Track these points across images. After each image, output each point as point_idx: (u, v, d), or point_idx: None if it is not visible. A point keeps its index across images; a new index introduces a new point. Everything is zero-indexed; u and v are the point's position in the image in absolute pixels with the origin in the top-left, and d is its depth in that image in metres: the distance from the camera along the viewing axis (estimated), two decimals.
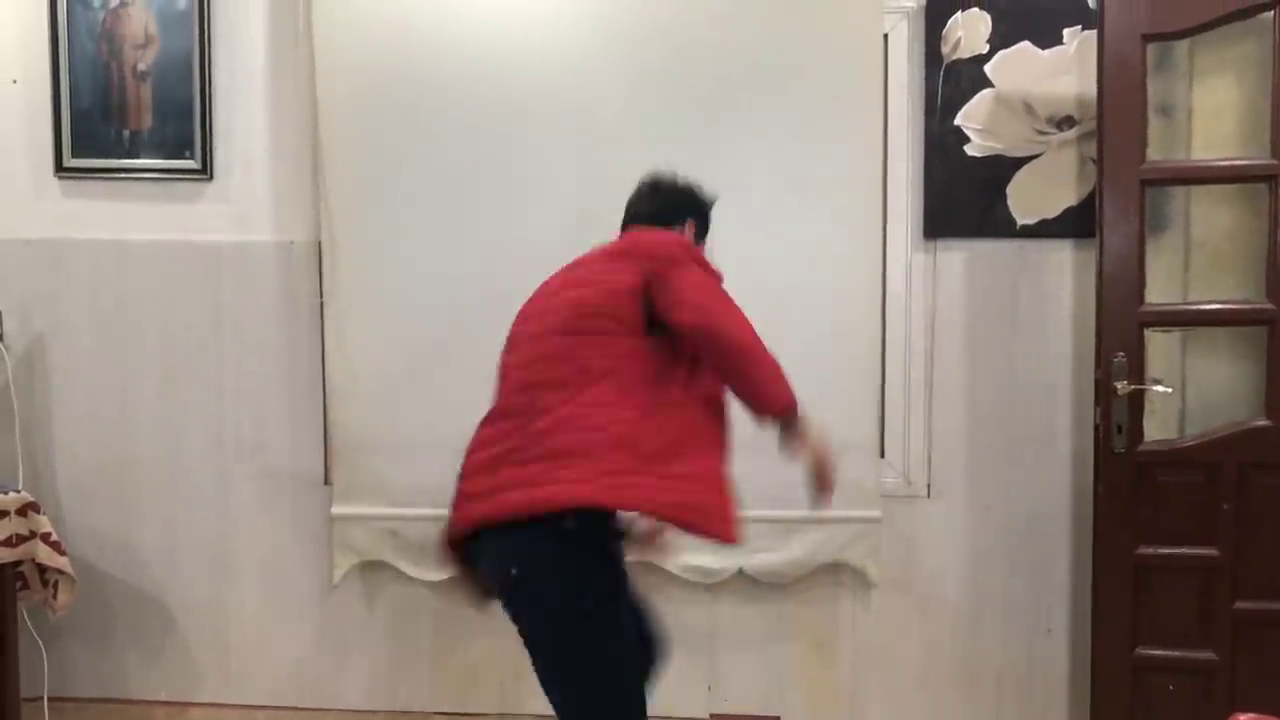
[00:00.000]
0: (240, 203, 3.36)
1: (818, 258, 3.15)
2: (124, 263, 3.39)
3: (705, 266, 2.38)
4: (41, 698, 3.36)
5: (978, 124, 3.18)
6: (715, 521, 2.18)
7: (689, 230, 2.55)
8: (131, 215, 3.38)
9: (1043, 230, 3.18)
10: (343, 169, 3.24)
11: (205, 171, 3.34)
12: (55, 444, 3.44)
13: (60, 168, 3.36)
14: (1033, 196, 3.18)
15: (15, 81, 3.38)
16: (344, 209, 3.24)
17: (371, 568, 3.35)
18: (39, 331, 3.42)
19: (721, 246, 3.14)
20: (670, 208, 2.55)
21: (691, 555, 3.25)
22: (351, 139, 3.23)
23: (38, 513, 3.09)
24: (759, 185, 3.15)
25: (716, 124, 3.16)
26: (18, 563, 3.10)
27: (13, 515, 3.03)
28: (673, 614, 3.31)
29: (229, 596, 3.44)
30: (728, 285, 3.12)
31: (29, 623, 3.24)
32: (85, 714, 3.27)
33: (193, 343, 3.40)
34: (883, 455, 3.26)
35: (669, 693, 3.34)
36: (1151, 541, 2.97)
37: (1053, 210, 3.18)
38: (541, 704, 3.58)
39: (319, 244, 3.29)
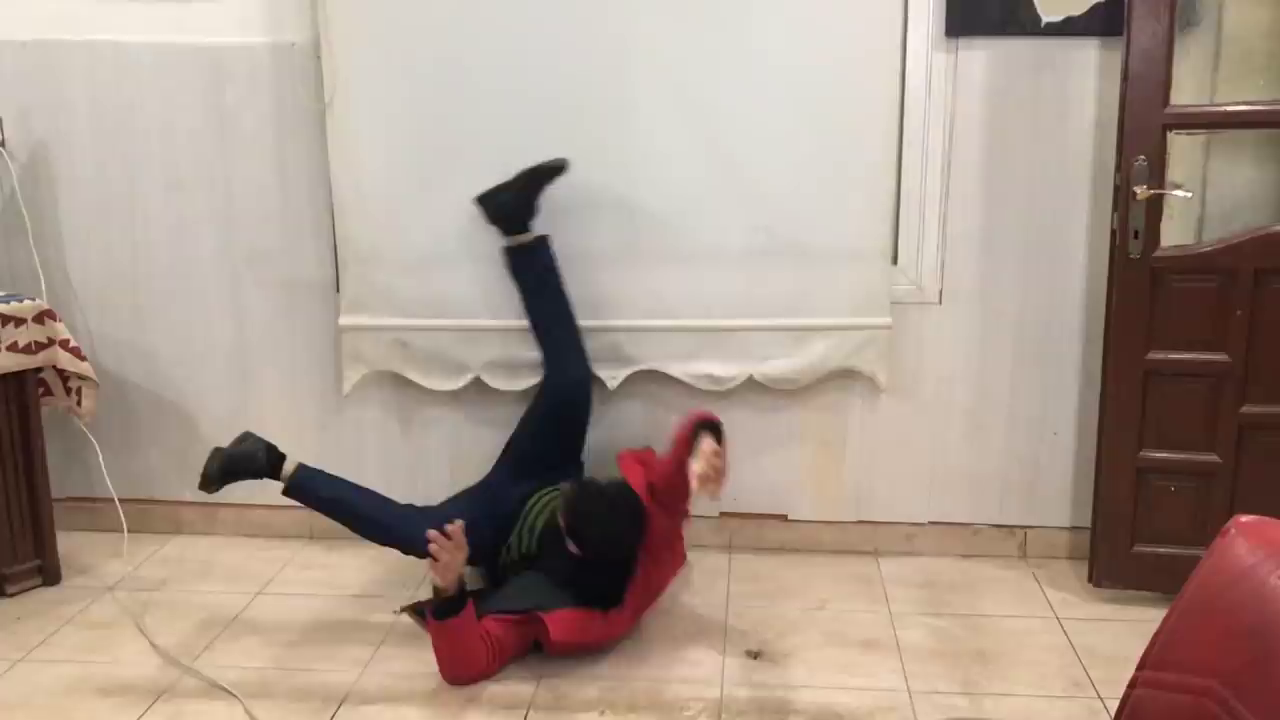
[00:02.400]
0: (236, 2, 3.24)
1: (833, 56, 3.05)
2: (122, 65, 3.30)
3: None
4: (71, 498, 3.48)
5: None
6: None
7: None
8: (124, 15, 3.27)
9: (1068, 28, 3.06)
10: None
11: None
12: (66, 253, 3.45)
13: None
14: None
15: None
16: (344, 6, 3.12)
17: (385, 375, 3.40)
18: (41, 138, 3.37)
19: (735, 40, 3.05)
20: None
21: (702, 363, 3.28)
22: None
23: (55, 320, 3.12)
24: None
25: None
26: (38, 369, 3.15)
27: (29, 322, 3.06)
28: None
29: (247, 401, 3.51)
30: (740, 81, 3.04)
31: (84, 427, 3.34)
32: (115, 514, 3.38)
33: (196, 148, 3.35)
34: (895, 262, 3.24)
35: None
36: (1162, 347, 2.97)
37: (1080, 7, 3.04)
38: None
39: (318, 44, 3.19)
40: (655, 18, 3.06)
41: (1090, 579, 3.14)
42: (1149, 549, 3.06)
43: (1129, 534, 3.07)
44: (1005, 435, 3.34)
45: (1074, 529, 3.34)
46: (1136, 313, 2.95)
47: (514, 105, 3.14)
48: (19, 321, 3.04)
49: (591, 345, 3.22)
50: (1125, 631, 2.92)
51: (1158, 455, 3.03)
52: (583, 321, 3.21)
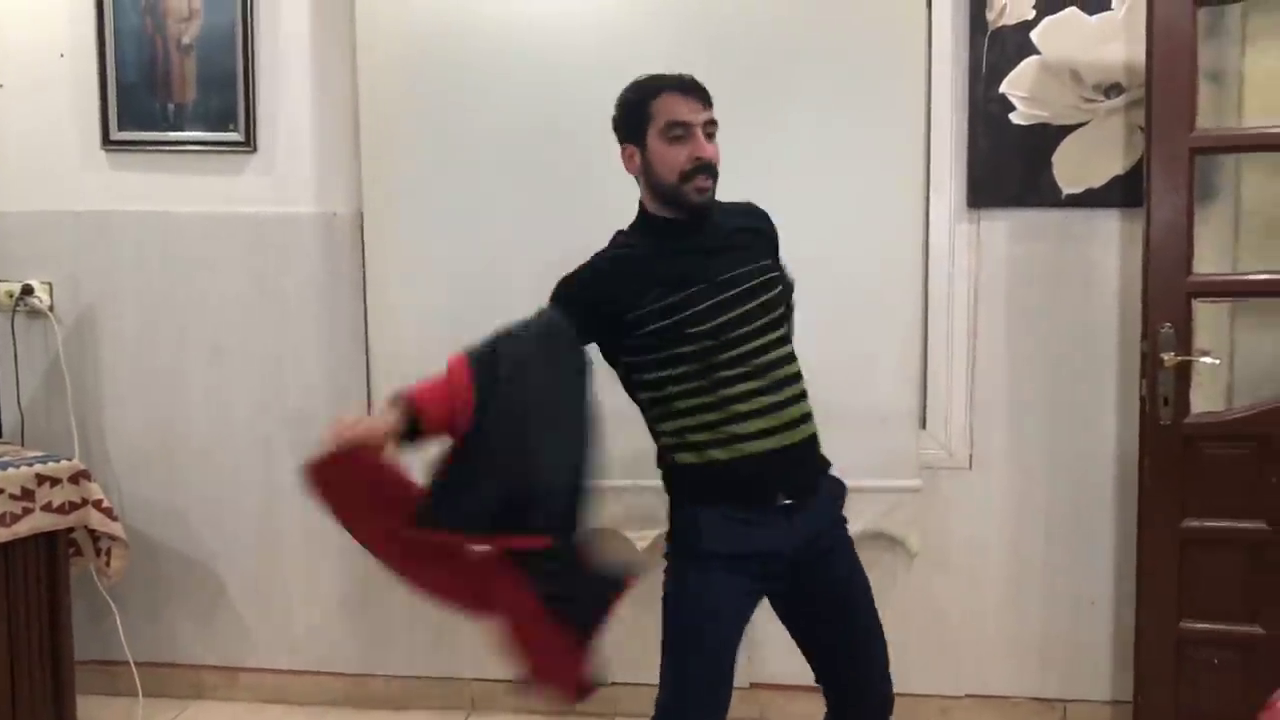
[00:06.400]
0: (283, 175, 3.38)
1: (859, 227, 3.12)
2: (170, 234, 3.43)
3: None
4: (93, 661, 3.44)
5: (1023, 92, 3.14)
6: None
7: (630, 157, 2.45)
8: (176, 187, 3.41)
9: (1089, 200, 3.14)
10: (385, 139, 3.24)
11: (248, 143, 3.36)
12: (106, 414, 3.50)
13: (107, 140, 3.40)
14: (1079, 165, 3.14)
15: (63, 55, 3.41)
16: (386, 180, 3.24)
17: None
18: (88, 303, 3.47)
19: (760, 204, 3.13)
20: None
21: None
22: (393, 109, 3.23)
23: (89, 480, 3.15)
24: (799, 153, 3.12)
25: (757, 92, 3.12)
26: (70, 530, 3.16)
27: (65, 483, 3.09)
28: None
29: (276, 564, 3.49)
30: None
31: (100, 587, 3.33)
32: (136, 678, 3.33)
33: (238, 314, 3.44)
34: (924, 426, 3.24)
35: None
36: (1198, 515, 2.93)
37: (1099, 179, 3.13)
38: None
39: (361, 215, 3.31)
40: None
41: None
42: None
43: (1172, 708, 2.96)
44: (1042, 604, 3.27)
45: (1116, 703, 3.23)
46: (1170, 480, 2.93)
47: (552, 274, 3.20)
48: (54, 481, 3.07)
49: (619, 506, 3.21)
50: None
51: (1198, 626, 2.95)
52: (609, 481, 3.20)
